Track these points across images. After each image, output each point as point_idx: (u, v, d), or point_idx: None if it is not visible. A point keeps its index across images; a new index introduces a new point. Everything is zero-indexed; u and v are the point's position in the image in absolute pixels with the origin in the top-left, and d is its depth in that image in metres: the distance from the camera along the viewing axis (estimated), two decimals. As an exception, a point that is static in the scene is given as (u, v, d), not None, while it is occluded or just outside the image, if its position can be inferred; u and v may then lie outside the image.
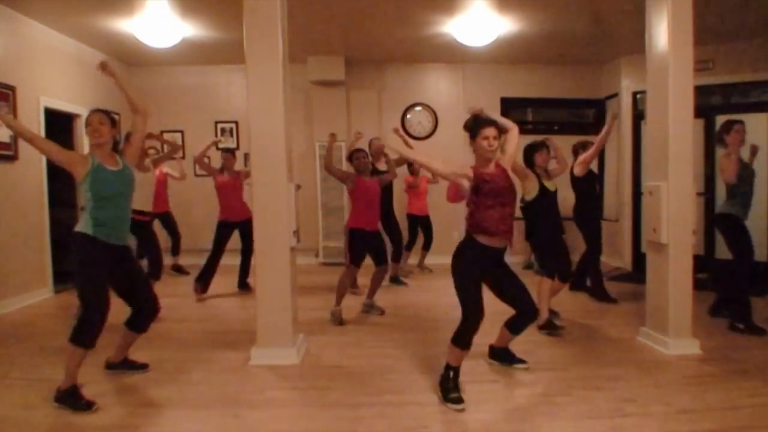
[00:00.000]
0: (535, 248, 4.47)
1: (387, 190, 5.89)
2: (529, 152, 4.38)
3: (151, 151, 6.45)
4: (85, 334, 2.91)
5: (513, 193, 3.08)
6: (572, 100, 7.79)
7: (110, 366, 3.43)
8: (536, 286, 4.25)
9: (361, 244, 4.69)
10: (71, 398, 2.92)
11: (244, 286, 5.88)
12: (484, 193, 2.97)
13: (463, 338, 3.01)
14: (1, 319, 4.79)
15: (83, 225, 3.02)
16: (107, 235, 3.03)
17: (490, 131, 3.02)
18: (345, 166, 7.38)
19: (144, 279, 3.34)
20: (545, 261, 4.43)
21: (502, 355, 3.55)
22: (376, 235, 4.82)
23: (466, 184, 3.02)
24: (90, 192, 2.99)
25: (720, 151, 4.49)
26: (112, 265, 3.06)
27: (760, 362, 3.57)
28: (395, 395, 3.10)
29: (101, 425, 2.75)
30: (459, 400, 2.94)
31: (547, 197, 4.32)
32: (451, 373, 3.05)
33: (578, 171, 5.00)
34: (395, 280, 6.14)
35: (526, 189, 4.30)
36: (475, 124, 3.09)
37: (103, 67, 3.27)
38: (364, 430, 2.71)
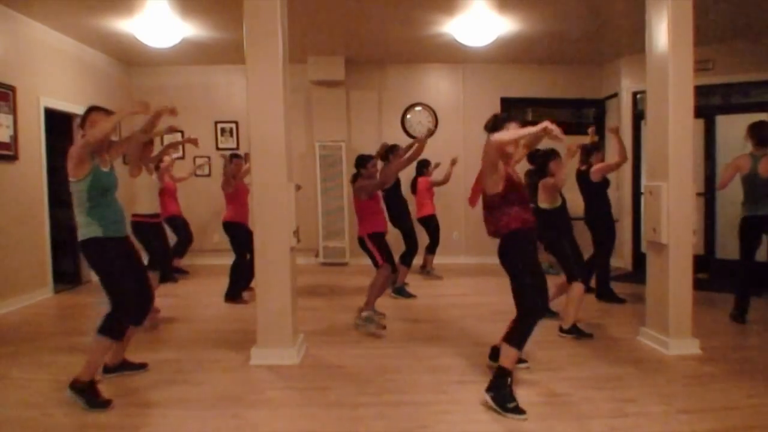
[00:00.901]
0: (561, 256, 4.24)
1: (398, 192, 5.78)
2: (544, 160, 4.26)
3: (167, 158, 6.51)
4: (117, 327, 3.01)
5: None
6: (572, 100, 7.79)
7: (108, 370, 3.37)
8: (567, 291, 4.19)
9: (382, 242, 4.59)
10: (88, 394, 2.91)
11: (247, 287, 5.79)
12: (518, 195, 2.97)
13: (525, 336, 2.92)
14: (1, 319, 4.79)
15: (88, 230, 3.01)
16: (115, 230, 3.07)
17: (515, 126, 2.99)
18: (346, 169, 7.41)
19: (143, 270, 3.34)
20: (572, 266, 4.20)
21: None
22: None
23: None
24: (87, 192, 2.98)
25: (745, 149, 4.48)
26: (122, 256, 3.10)
27: (760, 362, 3.57)
28: (395, 395, 3.10)
29: (101, 425, 2.75)
30: (521, 410, 2.79)
31: (564, 205, 4.36)
32: (509, 380, 2.87)
33: (596, 177, 4.98)
34: (400, 292, 5.64)
35: (549, 199, 4.29)
36: (498, 121, 3.04)
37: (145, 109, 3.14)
38: (364, 430, 2.71)
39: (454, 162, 6.69)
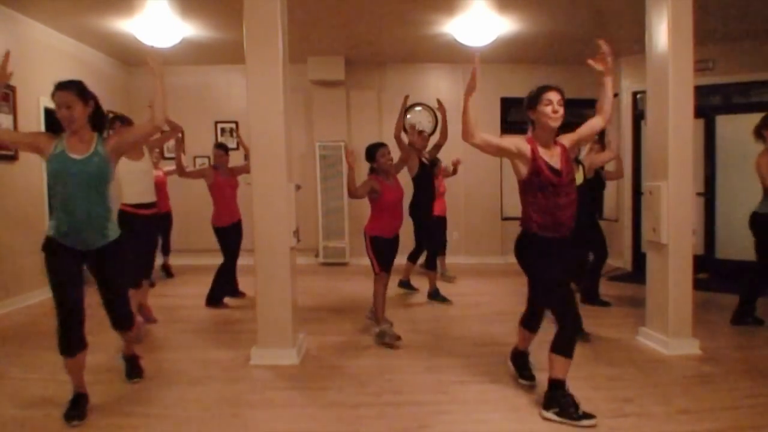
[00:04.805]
0: None
1: (425, 182, 5.35)
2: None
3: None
4: (59, 341, 2.68)
5: (572, 183, 2.72)
6: (572, 100, 7.69)
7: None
8: None
9: (382, 249, 4.16)
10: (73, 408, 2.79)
11: (237, 293, 5.55)
12: (541, 186, 2.62)
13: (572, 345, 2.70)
14: (1, 319, 4.79)
15: (48, 225, 2.74)
16: (65, 237, 2.63)
17: (553, 95, 2.64)
18: (346, 169, 7.38)
19: (116, 292, 2.93)
20: None
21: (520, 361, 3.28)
22: (396, 240, 4.27)
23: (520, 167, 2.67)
24: (48, 181, 2.73)
25: (758, 147, 4.30)
26: (83, 267, 2.73)
27: (760, 362, 3.57)
28: (395, 395, 3.10)
29: (101, 425, 2.75)
30: (591, 415, 2.66)
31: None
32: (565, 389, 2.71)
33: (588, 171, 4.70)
34: (404, 284, 5.77)
35: None
36: (537, 91, 2.70)
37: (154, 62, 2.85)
38: (364, 430, 2.71)
39: (455, 164, 6.24)
